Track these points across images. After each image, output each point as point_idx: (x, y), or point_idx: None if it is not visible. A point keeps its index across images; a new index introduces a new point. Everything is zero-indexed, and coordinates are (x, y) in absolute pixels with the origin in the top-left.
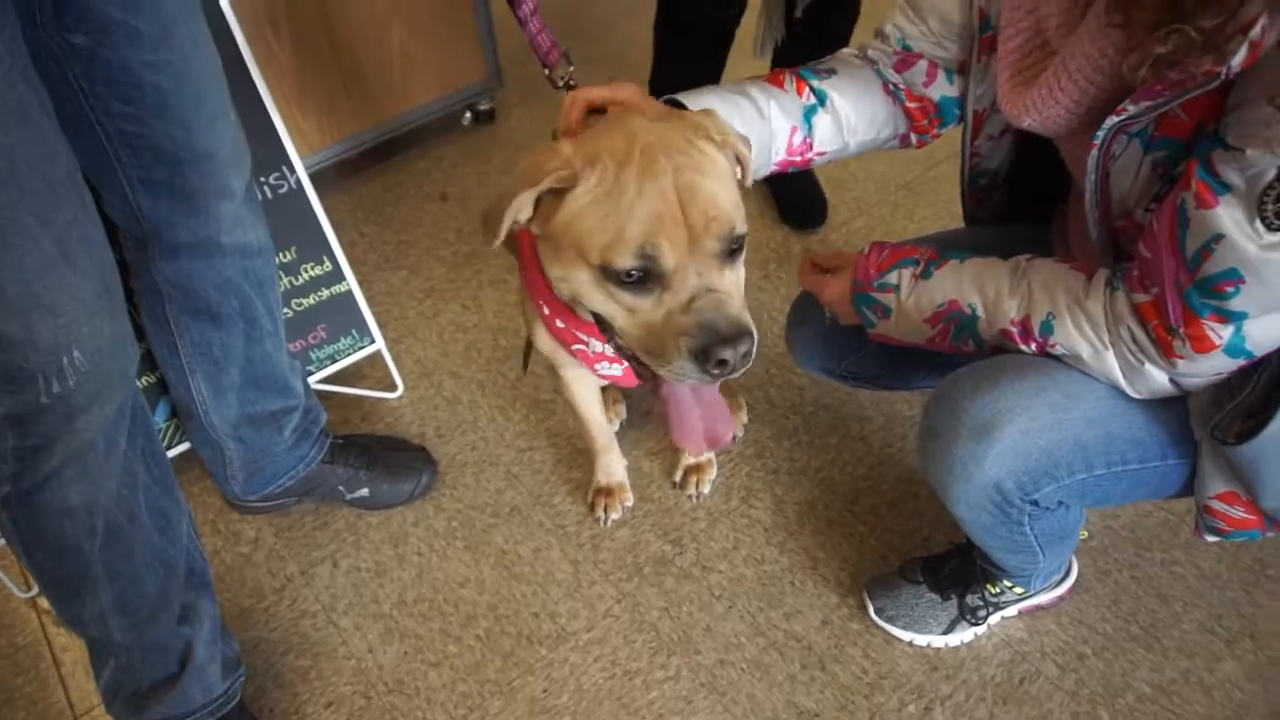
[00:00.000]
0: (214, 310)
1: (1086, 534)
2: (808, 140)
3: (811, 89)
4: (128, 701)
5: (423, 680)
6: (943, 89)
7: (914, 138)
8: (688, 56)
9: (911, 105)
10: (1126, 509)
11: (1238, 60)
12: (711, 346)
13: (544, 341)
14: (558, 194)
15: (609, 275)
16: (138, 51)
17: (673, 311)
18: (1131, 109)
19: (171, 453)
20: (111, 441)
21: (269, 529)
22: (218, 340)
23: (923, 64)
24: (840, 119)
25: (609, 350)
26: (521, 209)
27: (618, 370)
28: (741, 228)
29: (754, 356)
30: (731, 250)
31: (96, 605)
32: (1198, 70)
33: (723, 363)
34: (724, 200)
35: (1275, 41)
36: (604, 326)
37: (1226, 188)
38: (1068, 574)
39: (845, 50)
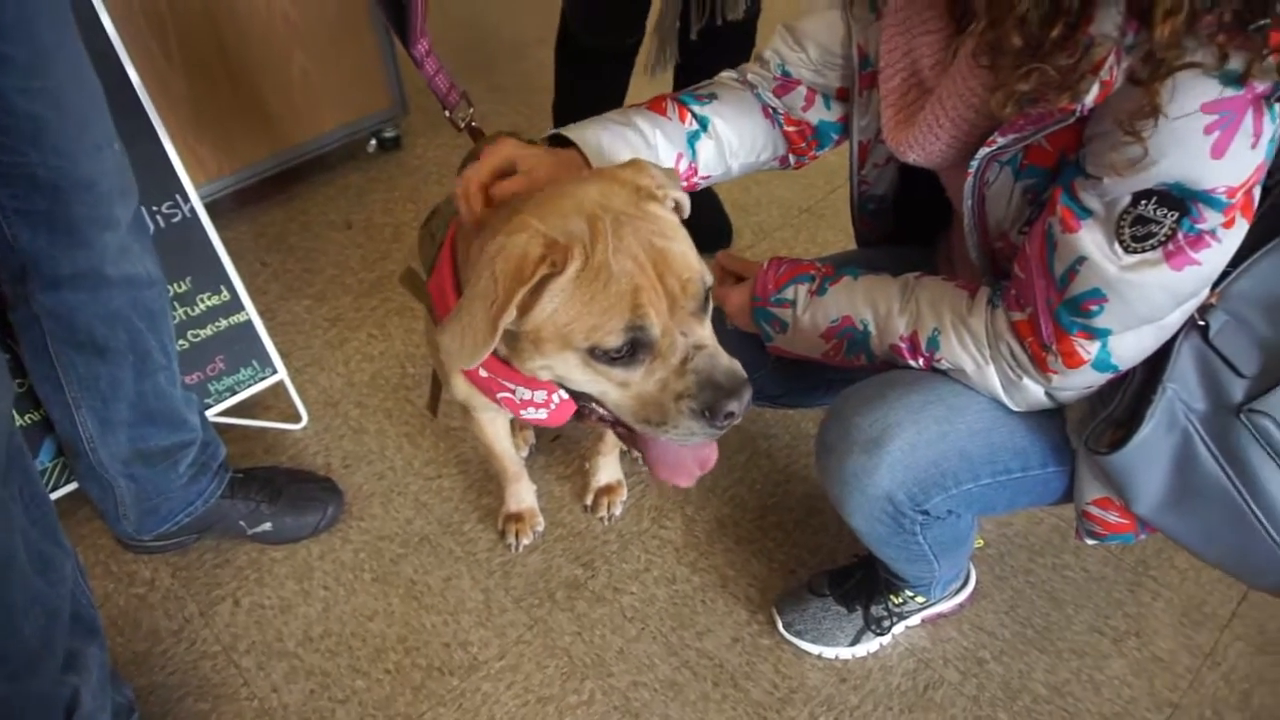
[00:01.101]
0: (100, 344)
1: (983, 543)
2: (692, 165)
3: (694, 114)
4: None
5: (330, 718)
6: (820, 114)
7: (792, 159)
8: (589, 82)
9: (790, 129)
10: (1019, 517)
11: (1090, 97)
12: (717, 403)
13: (460, 389)
14: (534, 288)
15: (596, 355)
16: (10, 78)
17: (667, 378)
18: (1000, 141)
19: (59, 493)
20: None
21: (166, 568)
22: (105, 375)
23: (801, 89)
24: (722, 143)
25: (537, 397)
26: (515, 309)
27: (543, 415)
28: (709, 280)
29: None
30: (704, 303)
31: None
32: (1055, 107)
33: (730, 415)
34: (692, 259)
35: (1123, 80)
36: (580, 398)
37: (1088, 213)
38: (966, 582)
39: (725, 74)
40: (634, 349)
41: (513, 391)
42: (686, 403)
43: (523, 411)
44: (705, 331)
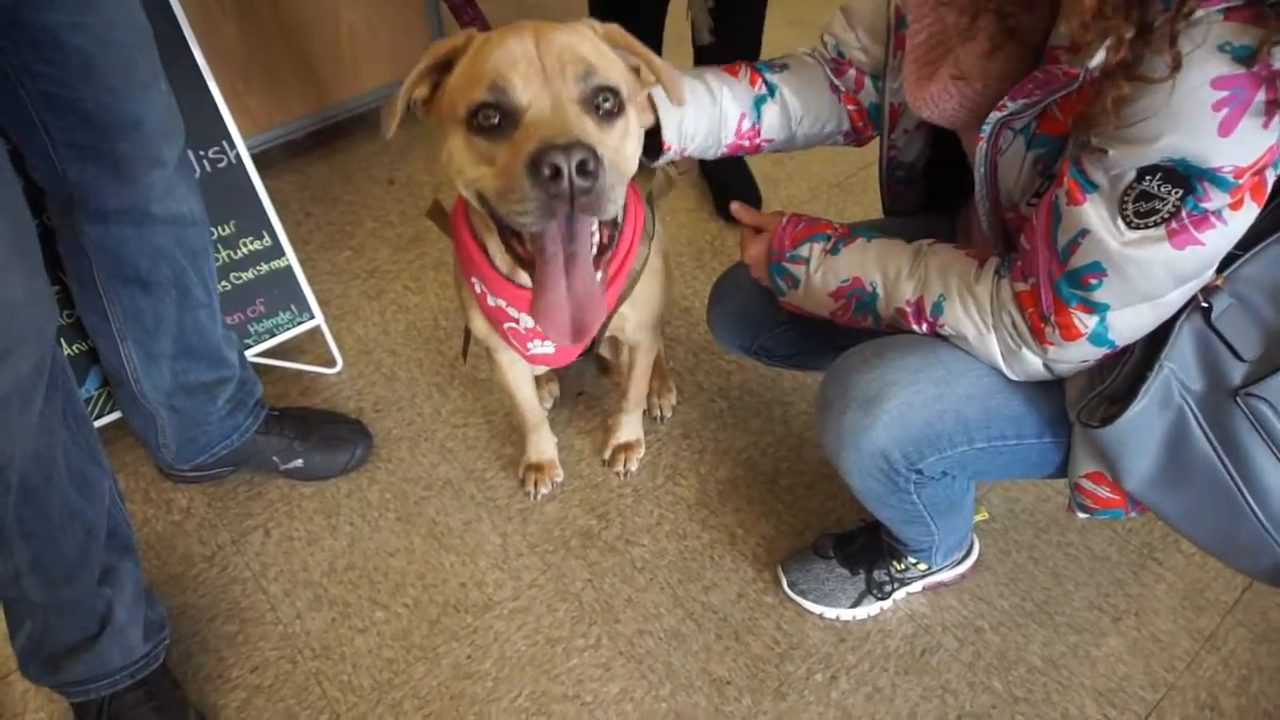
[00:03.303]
0: (145, 278)
1: (987, 515)
2: (755, 127)
3: (764, 80)
4: (45, 663)
5: (349, 645)
6: (870, 96)
7: (856, 136)
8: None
9: (850, 108)
10: (1026, 493)
11: (1095, 63)
12: (541, 152)
13: (479, 324)
14: (444, 65)
15: (472, 126)
16: (59, 13)
17: (525, 147)
18: (1010, 105)
19: (102, 421)
20: (27, 400)
21: (201, 498)
22: (149, 308)
23: (852, 72)
24: (788, 111)
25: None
26: (419, 83)
27: (549, 349)
28: (608, 79)
29: (602, 181)
30: (601, 105)
31: (11, 564)
32: (1059, 71)
33: (556, 171)
34: (584, 49)
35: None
36: (500, 227)
37: (1093, 186)
38: (969, 553)
39: (800, 49)
40: (501, 119)
41: (517, 320)
42: (523, 162)
43: (529, 345)
44: (600, 135)
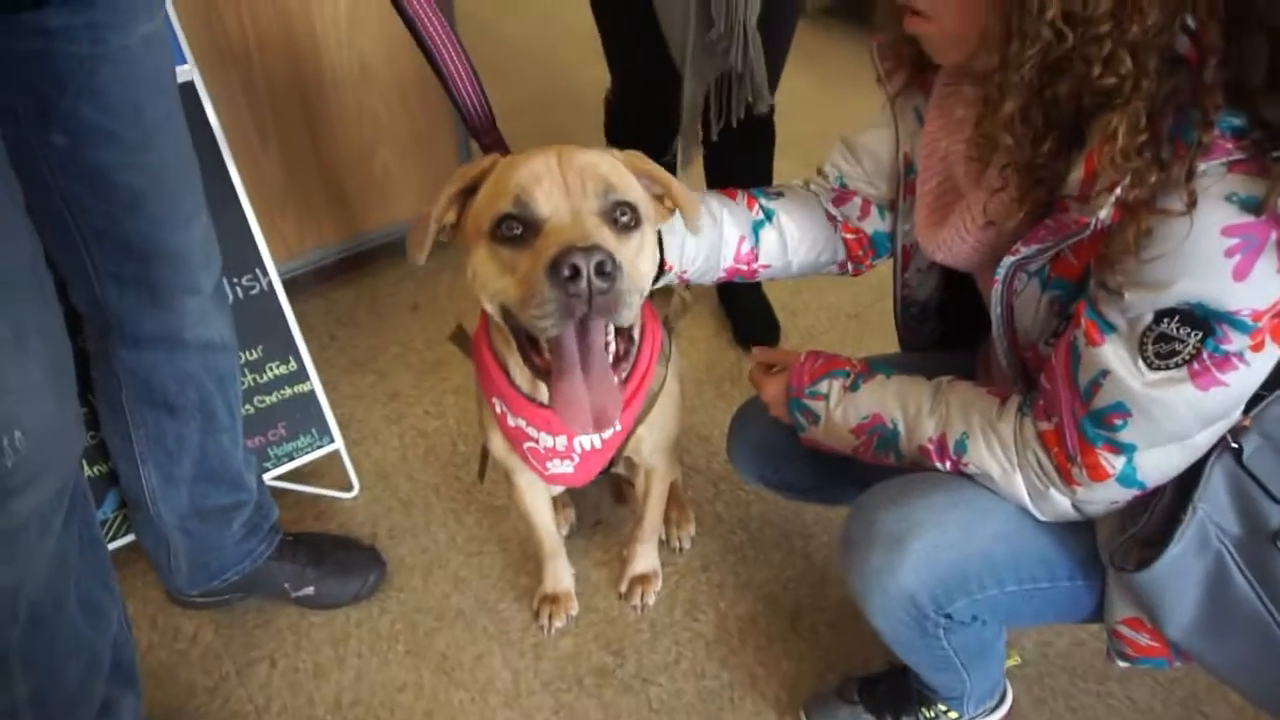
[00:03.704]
0: (171, 402)
1: (1019, 660)
2: (754, 250)
3: (760, 205)
4: None
5: None
6: (875, 224)
7: (850, 266)
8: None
9: (849, 236)
10: (1061, 637)
11: (1105, 214)
12: (562, 255)
13: (498, 445)
14: (473, 197)
15: (496, 237)
16: (116, 154)
17: (545, 253)
18: (1023, 250)
19: (116, 544)
20: (46, 525)
21: (209, 625)
22: (173, 431)
23: (857, 200)
24: (785, 237)
25: (559, 445)
26: (449, 208)
27: (568, 468)
28: (626, 195)
29: (619, 285)
30: (619, 219)
31: (10, 697)
32: (1070, 220)
33: (575, 271)
34: (604, 169)
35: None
36: (520, 341)
37: (1111, 327)
38: (1002, 700)
39: (793, 181)
40: (524, 231)
41: (536, 440)
42: (543, 265)
43: (548, 464)
44: (610, 239)
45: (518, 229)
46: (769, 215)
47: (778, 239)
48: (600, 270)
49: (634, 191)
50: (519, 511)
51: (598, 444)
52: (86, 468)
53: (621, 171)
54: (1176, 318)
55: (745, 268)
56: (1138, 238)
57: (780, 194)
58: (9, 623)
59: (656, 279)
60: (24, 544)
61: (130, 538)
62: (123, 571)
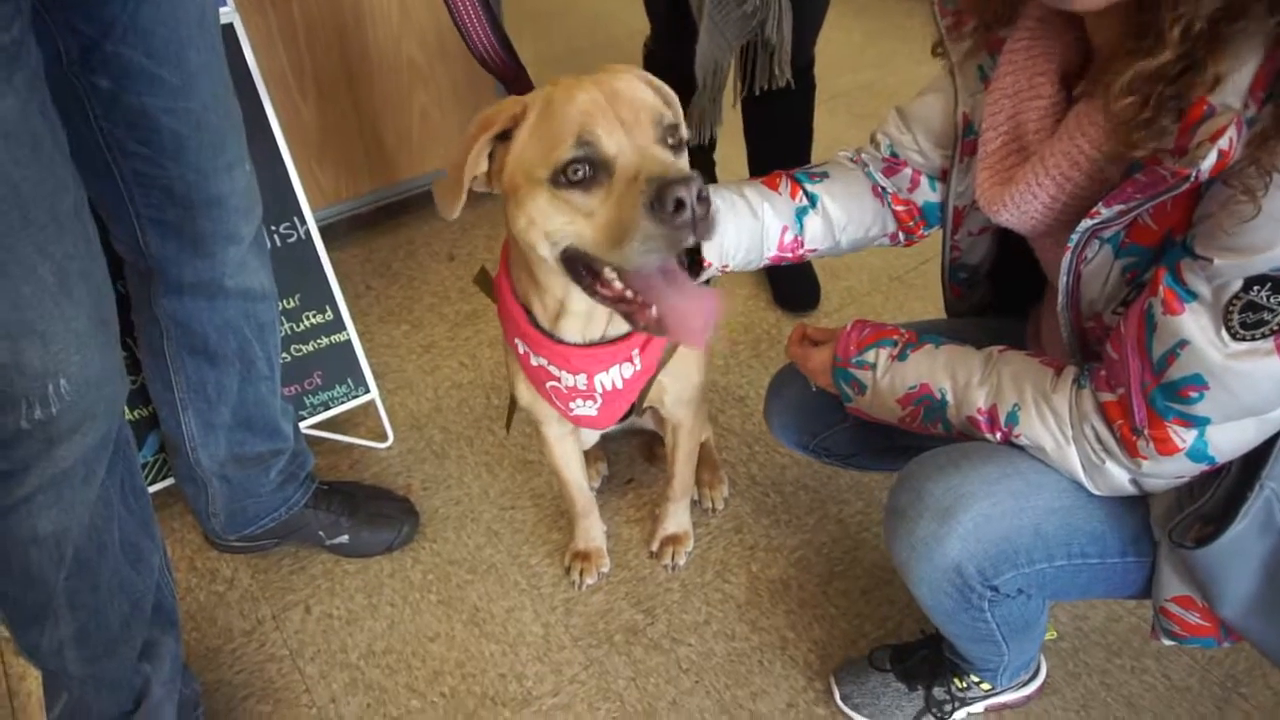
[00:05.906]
0: (211, 350)
1: (1055, 634)
2: (798, 239)
3: (805, 191)
4: None
5: None
6: (926, 194)
7: (902, 237)
8: None
9: (899, 208)
10: (1098, 611)
11: (1207, 165)
12: (664, 190)
13: (523, 392)
14: (506, 143)
15: (559, 183)
16: (160, 99)
17: (624, 192)
18: (1105, 212)
19: (155, 487)
20: (90, 471)
21: (246, 569)
22: (213, 379)
23: (908, 171)
24: (830, 220)
25: (580, 384)
26: (480, 156)
27: (591, 409)
28: (673, 118)
29: (711, 204)
30: (670, 143)
31: (55, 636)
32: (1164, 173)
33: (680, 203)
34: (648, 96)
35: (1241, 152)
36: (579, 277)
37: (1193, 295)
38: (1036, 674)
39: (841, 153)
40: (592, 171)
41: (559, 379)
42: (640, 200)
43: (571, 405)
44: (670, 159)
45: (584, 171)
46: (813, 200)
47: (823, 223)
48: (699, 196)
49: (674, 110)
50: (550, 467)
51: (619, 383)
52: (127, 411)
53: (656, 93)
54: (1269, 285)
55: (790, 254)
56: (1247, 193)
57: (825, 174)
58: (55, 566)
59: (696, 274)
60: (69, 490)
61: (169, 481)
62: (161, 514)
